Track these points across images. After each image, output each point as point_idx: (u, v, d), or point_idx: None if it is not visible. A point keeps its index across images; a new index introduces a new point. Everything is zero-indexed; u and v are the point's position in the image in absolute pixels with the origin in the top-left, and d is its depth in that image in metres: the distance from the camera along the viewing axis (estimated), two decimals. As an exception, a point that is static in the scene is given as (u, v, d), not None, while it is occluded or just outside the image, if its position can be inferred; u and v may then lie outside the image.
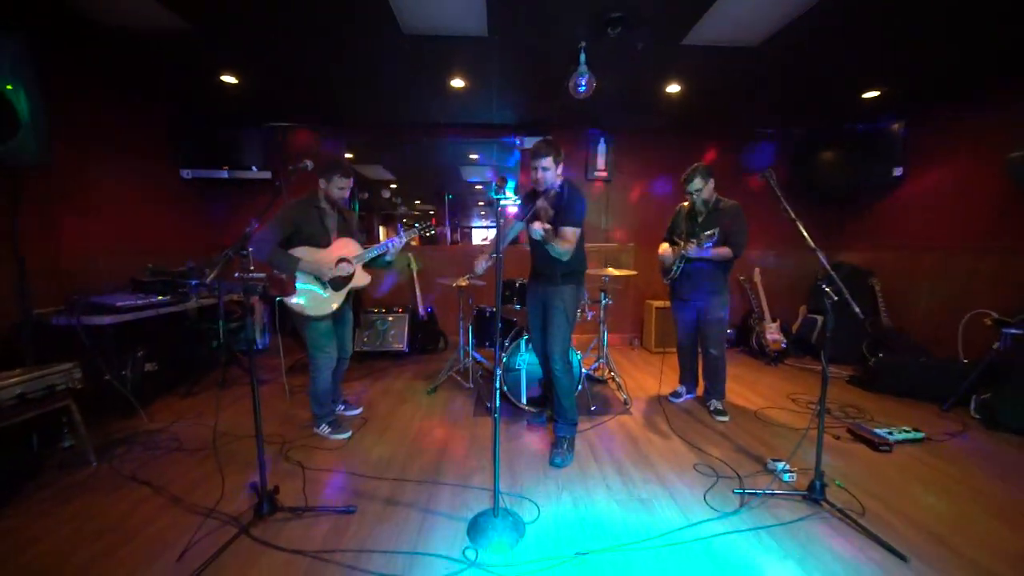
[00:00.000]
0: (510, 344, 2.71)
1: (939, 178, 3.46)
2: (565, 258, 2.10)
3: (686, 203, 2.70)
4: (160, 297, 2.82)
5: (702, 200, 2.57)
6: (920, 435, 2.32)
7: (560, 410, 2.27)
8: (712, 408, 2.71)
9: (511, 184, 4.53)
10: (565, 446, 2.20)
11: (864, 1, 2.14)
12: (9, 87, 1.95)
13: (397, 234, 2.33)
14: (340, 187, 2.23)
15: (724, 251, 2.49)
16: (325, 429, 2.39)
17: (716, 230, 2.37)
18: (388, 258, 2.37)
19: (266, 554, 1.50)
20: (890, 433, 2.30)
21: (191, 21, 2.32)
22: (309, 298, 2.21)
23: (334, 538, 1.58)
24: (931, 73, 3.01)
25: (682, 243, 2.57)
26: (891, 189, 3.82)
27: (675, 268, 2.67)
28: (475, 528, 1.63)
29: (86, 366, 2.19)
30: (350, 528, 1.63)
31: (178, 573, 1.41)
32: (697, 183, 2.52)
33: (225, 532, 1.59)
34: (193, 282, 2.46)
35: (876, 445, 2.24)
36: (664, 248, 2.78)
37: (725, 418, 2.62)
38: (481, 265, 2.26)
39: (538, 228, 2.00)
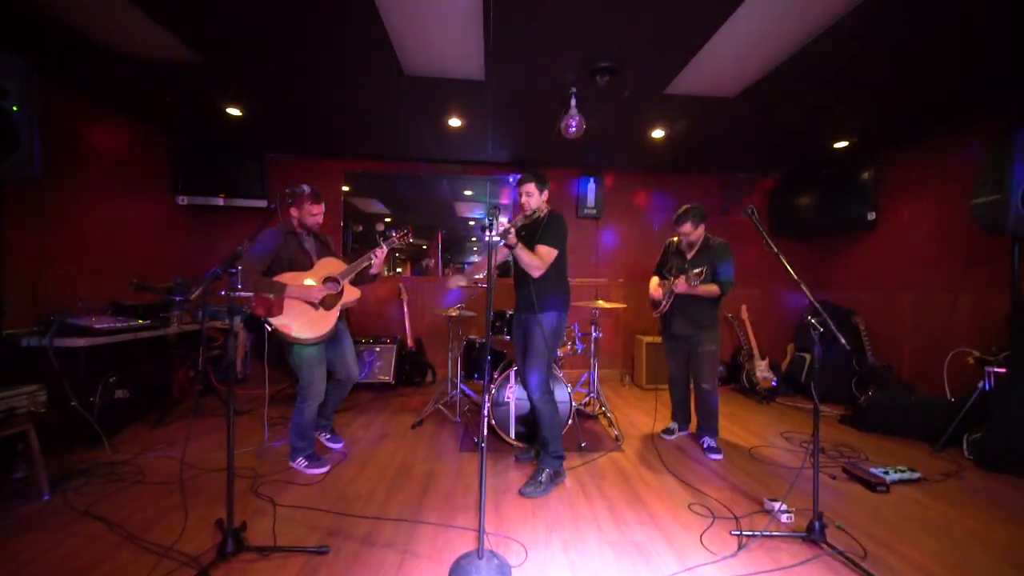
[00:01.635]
0: (499, 377, 2.65)
1: (911, 222, 3.65)
2: (535, 273, 2.11)
3: (676, 238, 2.77)
4: (140, 321, 2.74)
5: (688, 243, 2.64)
6: (916, 475, 2.28)
7: (542, 442, 2.22)
8: (706, 445, 2.64)
9: (502, 218, 4.65)
10: (542, 478, 2.12)
11: (830, 57, 2.35)
12: (16, 108, 1.99)
13: (378, 246, 2.34)
14: (313, 214, 2.24)
15: (712, 288, 2.52)
16: (302, 463, 2.26)
17: (704, 268, 2.42)
18: (373, 271, 2.38)
19: (226, 599, 1.36)
20: (886, 473, 2.26)
21: (203, 54, 2.43)
22: (302, 321, 2.16)
23: (303, 581, 1.45)
24: (895, 122, 3.25)
25: (671, 279, 2.61)
26: (867, 232, 4.00)
27: (664, 303, 2.71)
28: (457, 571, 1.51)
29: (53, 390, 2.08)
30: (322, 570, 1.50)
31: (124, 621, 1.27)
32: (687, 227, 2.56)
33: (183, 573, 1.45)
34: (178, 298, 2.40)
35: (873, 485, 2.18)
36: (654, 283, 2.83)
37: (719, 456, 2.55)
38: (455, 281, 2.55)
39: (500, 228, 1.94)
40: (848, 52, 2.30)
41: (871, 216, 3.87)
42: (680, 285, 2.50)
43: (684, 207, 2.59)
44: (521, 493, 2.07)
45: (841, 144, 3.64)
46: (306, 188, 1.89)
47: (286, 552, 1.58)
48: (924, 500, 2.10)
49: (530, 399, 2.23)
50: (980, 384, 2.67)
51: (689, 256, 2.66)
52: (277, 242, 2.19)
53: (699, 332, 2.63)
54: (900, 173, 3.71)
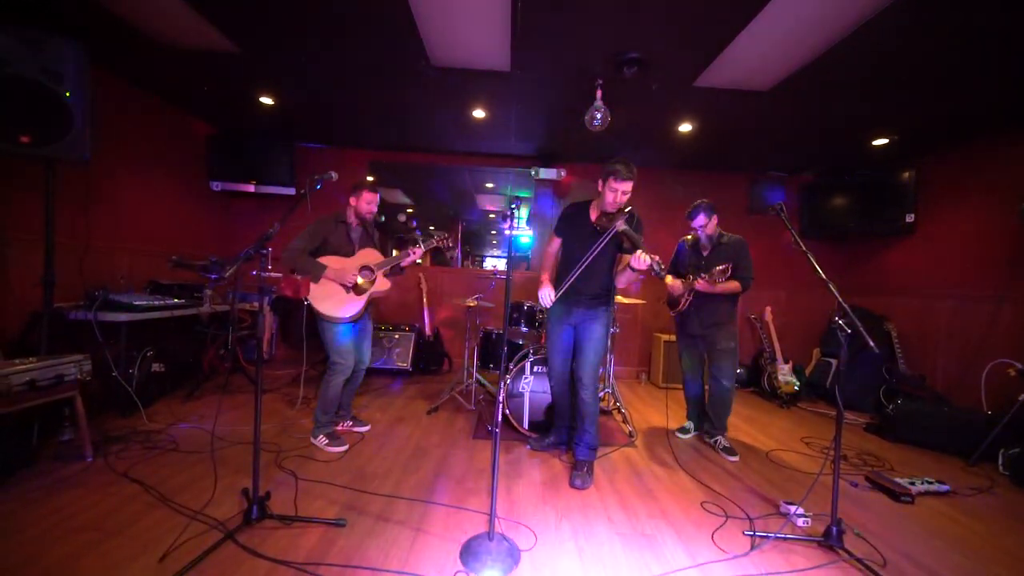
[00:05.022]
0: (514, 368, 2.68)
1: (953, 225, 3.46)
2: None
3: (690, 236, 2.75)
4: (175, 300, 2.89)
5: (706, 235, 2.61)
6: (945, 488, 2.19)
7: (584, 435, 2.24)
8: (720, 446, 2.61)
9: (524, 214, 4.65)
10: (585, 469, 2.16)
11: (871, 50, 2.25)
12: (68, 93, 2.12)
13: (416, 244, 2.51)
14: (369, 202, 2.41)
15: (732, 285, 2.50)
16: (322, 440, 2.35)
17: (728, 265, 2.36)
18: (403, 264, 2.52)
19: (249, 562, 1.43)
20: (912, 483, 2.18)
21: (239, 44, 2.52)
22: (333, 300, 2.33)
23: (321, 550, 1.51)
24: (940, 122, 3.09)
25: (689, 276, 2.57)
26: (904, 235, 3.82)
27: (683, 301, 2.66)
28: (468, 551, 1.55)
29: (95, 362, 2.22)
30: (338, 541, 1.57)
31: (159, 574, 1.35)
32: (701, 219, 2.56)
33: (211, 536, 1.54)
34: (213, 275, 2.54)
35: (897, 495, 2.11)
36: (671, 281, 2.75)
37: (735, 457, 2.51)
38: (549, 295, 2.19)
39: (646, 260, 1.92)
40: (892, 44, 2.19)
41: (910, 218, 3.69)
42: (701, 284, 2.46)
43: (693, 204, 2.60)
44: (572, 485, 2.09)
45: (880, 142, 3.47)
46: (334, 174, 1.96)
47: (306, 522, 1.65)
48: (952, 514, 2.02)
49: (580, 393, 2.22)
50: (1021, 397, 2.53)
51: (705, 253, 2.62)
52: (328, 227, 2.37)
53: (716, 329, 2.59)
54: (944, 174, 3.53)
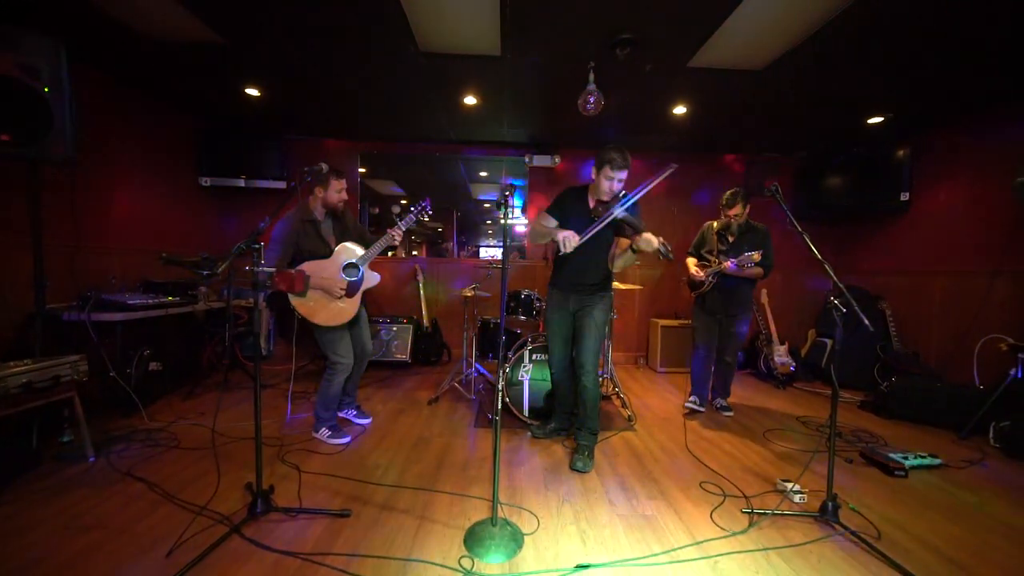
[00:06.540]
0: (513, 356, 2.69)
1: (947, 202, 3.47)
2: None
3: (715, 222, 2.86)
4: (170, 298, 2.86)
5: (737, 223, 2.72)
6: (937, 461, 2.24)
7: (586, 420, 2.27)
8: (718, 405, 2.92)
9: (518, 200, 4.61)
10: (587, 453, 2.19)
11: (866, 28, 2.22)
12: (47, 89, 2.06)
13: (396, 225, 2.33)
14: (338, 190, 2.29)
15: (757, 271, 2.68)
16: (325, 433, 2.36)
17: (760, 252, 2.51)
18: (390, 248, 2.40)
19: (256, 554, 1.45)
20: (905, 458, 2.22)
21: (225, 36, 2.45)
22: (328, 312, 2.24)
23: (327, 541, 1.53)
24: (935, 98, 3.07)
25: (715, 260, 2.71)
26: (899, 214, 3.83)
27: (708, 283, 2.78)
28: (472, 537, 1.57)
29: (92, 362, 2.21)
30: (344, 532, 1.59)
31: (166, 569, 1.37)
32: (738, 209, 2.68)
33: (217, 530, 1.55)
34: (205, 272, 2.51)
35: (891, 470, 2.16)
36: (692, 263, 2.90)
37: (730, 412, 2.92)
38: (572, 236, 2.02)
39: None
40: (887, 19, 2.15)
41: (904, 196, 3.69)
42: (732, 265, 2.60)
43: (731, 190, 2.71)
44: (573, 468, 2.13)
45: (875, 120, 3.45)
46: (324, 166, 1.93)
47: (311, 514, 1.67)
48: (944, 486, 2.07)
49: (582, 380, 2.23)
50: (1012, 371, 2.57)
51: (732, 239, 2.74)
52: (296, 230, 2.21)
53: (737, 313, 2.78)
54: (938, 151, 3.52)
